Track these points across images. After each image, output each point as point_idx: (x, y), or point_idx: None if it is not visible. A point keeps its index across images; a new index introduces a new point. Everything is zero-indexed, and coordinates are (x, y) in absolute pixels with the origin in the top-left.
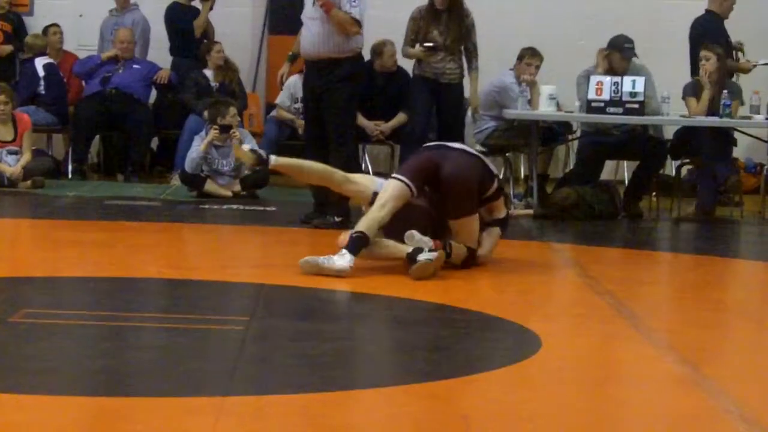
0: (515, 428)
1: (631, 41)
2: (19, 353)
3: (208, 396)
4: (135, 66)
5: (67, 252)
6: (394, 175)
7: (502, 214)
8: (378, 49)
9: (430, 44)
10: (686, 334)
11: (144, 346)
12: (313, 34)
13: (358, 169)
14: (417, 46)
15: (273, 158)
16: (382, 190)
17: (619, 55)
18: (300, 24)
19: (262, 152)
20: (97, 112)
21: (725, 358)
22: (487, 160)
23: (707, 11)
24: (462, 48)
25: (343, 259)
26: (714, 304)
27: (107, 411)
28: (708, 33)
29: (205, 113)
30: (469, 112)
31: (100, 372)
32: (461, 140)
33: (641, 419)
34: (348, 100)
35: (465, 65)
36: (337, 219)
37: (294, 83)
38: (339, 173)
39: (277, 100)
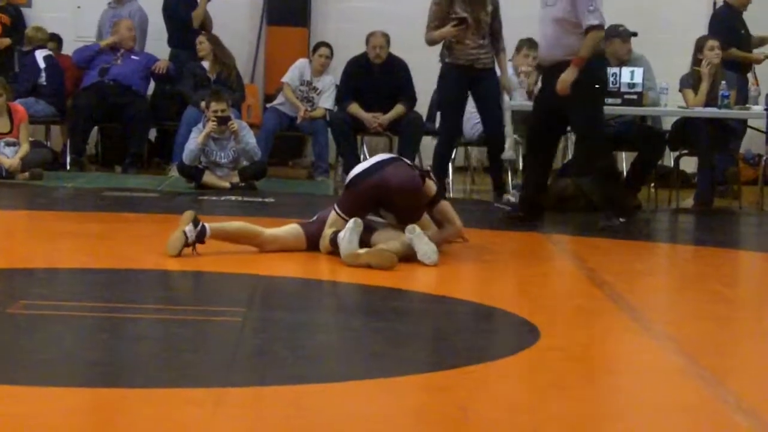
0: (513, 419)
1: (621, 25)
2: (17, 345)
3: (205, 387)
4: (133, 57)
5: (65, 243)
6: (336, 209)
7: (434, 190)
8: (366, 41)
9: (461, 16)
10: (685, 325)
11: (141, 338)
12: (544, 36)
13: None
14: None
15: (208, 229)
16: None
17: (619, 40)
18: (296, 16)
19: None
20: (94, 104)
21: (724, 349)
22: (408, 161)
23: (724, 3)
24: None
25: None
26: (713, 295)
27: (105, 402)
28: (723, 26)
29: (202, 104)
30: (505, 97)
31: (97, 363)
32: (501, 126)
33: (640, 410)
34: (590, 101)
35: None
36: (621, 220)
37: (303, 65)
38: (266, 233)
39: (286, 78)
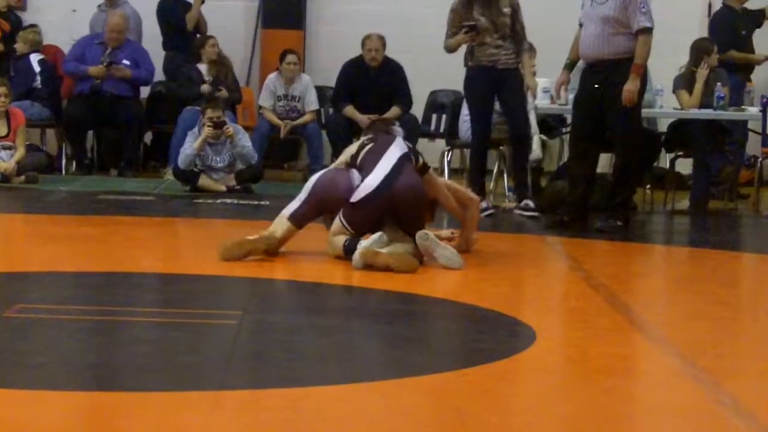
0: (509, 421)
1: None
2: (13, 348)
3: (202, 390)
4: (124, 62)
5: (61, 247)
6: (342, 222)
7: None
8: (362, 43)
9: (471, 23)
10: (681, 327)
11: (138, 341)
12: (590, 34)
13: (638, 177)
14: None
15: None
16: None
17: None
18: (292, 19)
19: None
20: (87, 111)
21: (720, 351)
22: (409, 145)
23: (723, 5)
24: (511, 32)
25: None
26: (709, 296)
27: (101, 406)
28: (722, 27)
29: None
30: (529, 98)
31: (94, 367)
32: (527, 126)
33: (636, 412)
34: (633, 105)
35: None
36: (619, 223)
37: (273, 81)
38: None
39: (261, 102)
